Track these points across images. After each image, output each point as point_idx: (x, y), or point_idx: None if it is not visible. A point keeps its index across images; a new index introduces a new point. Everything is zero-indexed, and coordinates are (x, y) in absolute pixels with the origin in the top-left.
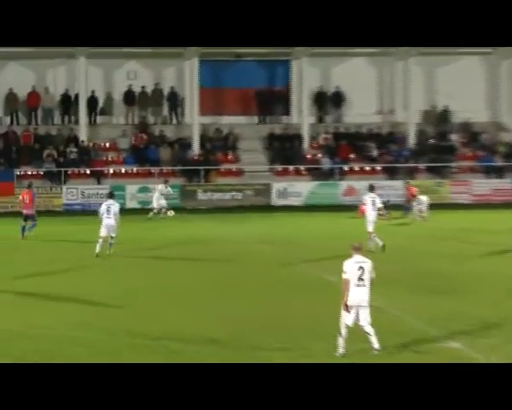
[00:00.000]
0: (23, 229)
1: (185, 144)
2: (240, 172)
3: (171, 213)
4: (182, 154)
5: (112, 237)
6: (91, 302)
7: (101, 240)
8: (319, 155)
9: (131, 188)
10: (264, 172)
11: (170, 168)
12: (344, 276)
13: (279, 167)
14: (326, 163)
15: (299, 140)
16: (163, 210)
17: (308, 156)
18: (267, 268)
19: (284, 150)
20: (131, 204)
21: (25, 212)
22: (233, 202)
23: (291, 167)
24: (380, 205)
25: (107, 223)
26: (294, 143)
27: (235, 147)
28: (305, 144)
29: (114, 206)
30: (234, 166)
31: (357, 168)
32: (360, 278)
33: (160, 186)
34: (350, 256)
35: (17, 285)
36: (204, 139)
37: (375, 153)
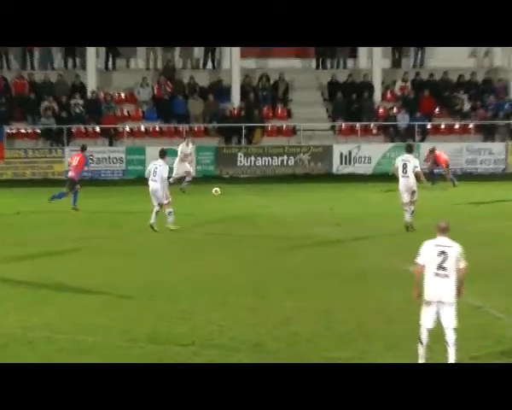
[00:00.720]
0: (74, 196)
1: (222, 95)
2: (292, 131)
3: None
4: (218, 107)
5: (159, 205)
6: (104, 295)
7: (155, 209)
8: (395, 110)
9: (153, 151)
10: (324, 132)
11: (202, 125)
12: (417, 259)
13: (343, 125)
14: (403, 119)
15: (368, 90)
16: (185, 181)
17: (380, 111)
18: (326, 255)
19: (350, 103)
20: None
21: (69, 174)
22: (283, 168)
23: (358, 125)
24: (416, 169)
25: (151, 187)
26: (363, 93)
27: (286, 98)
28: (377, 95)
29: (162, 167)
30: (284, 124)
31: (443, 126)
32: (441, 267)
33: (181, 146)
34: (433, 238)
35: (12, 272)
36: (246, 88)
37: (466, 106)
